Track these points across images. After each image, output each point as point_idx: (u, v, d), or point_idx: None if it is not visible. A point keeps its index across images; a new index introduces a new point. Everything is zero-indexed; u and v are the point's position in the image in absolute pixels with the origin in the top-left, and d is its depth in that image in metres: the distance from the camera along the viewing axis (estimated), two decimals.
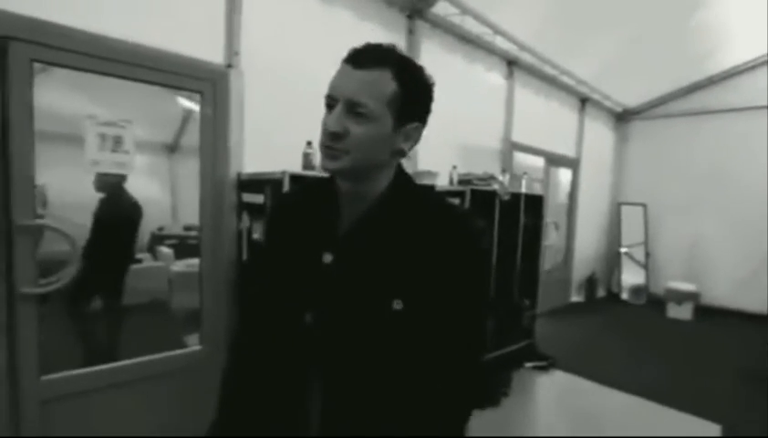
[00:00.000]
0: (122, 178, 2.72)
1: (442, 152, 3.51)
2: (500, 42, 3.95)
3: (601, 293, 6.44)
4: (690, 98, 5.94)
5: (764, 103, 5.30)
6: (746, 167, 5.53)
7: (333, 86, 0.75)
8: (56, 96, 2.01)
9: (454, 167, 3.33)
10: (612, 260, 6.59)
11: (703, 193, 5.89)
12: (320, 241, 0.83)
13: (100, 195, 2.70)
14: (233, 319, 2.29)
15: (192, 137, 2.42)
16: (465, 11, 3.46)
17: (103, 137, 1.93)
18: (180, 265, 4.01)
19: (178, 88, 2.20)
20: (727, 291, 5.68)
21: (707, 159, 5.84)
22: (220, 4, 2.25)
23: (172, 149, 5.08)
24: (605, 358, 4.04)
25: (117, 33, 1.88)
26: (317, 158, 2.12)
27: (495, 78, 4.23)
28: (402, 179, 0.85)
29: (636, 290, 6.18)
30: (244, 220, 2.30)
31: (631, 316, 5.62)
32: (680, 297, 5.47)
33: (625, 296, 6.24)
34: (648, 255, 6.28)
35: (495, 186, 3.37)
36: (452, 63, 3.71)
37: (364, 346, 0.79)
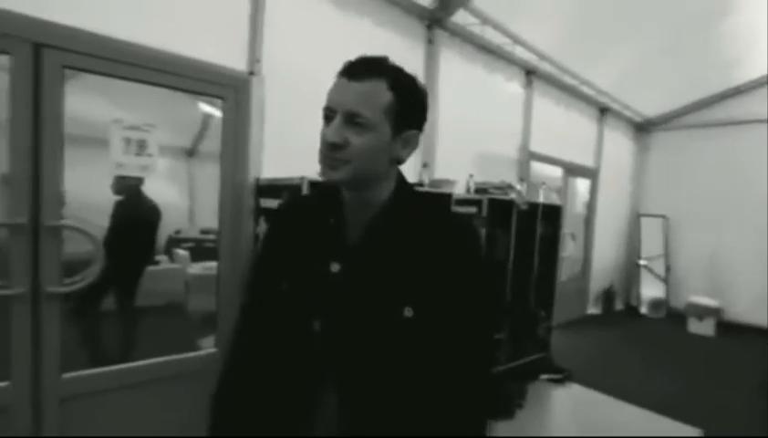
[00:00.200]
0: (140, 181, 2.79)
1: (460, 161, 3.50)
2: (519, 52, 3.94)
3: (619, 306, 6.31)
4: (715, 108, 5.82)
5: None
6: None
7: (330, 98, 0.77)
8: (74, 99, 2.06)
9: (471, 175, 3.32)
10: (630, 272, 6.46)
11: (726, 206, 5.74)
12: (328, 249, 0.84)
13: (118, 198, 2.77)
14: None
15: (210, 142, 2.45)
16: (485, 21, 3.46)
17: (128, 140, 1.98)
18: (197, 268, 4.07)
19: (202, 94, 2.24)
20: (750, 307, 5.50)
21: (730, 171, 5.70)
22: (243, 13, 2.30)
23: (191, 153, 5.18)
24: (622, 371, 3.95)
25: (145, 40, 1.94)
26: None
27: (514, 87, 4.21)
28: (404, 186, 0.87)
29: (655, 304, 6.04)
30: (261, 225, 2.33)
31: (650, 330, 5.48)
32: (702, 312, 5.32)
33: (644, 309, 6.10)
34: (668, 268, 6.14)
35: (513, 195, 3.34)
36: (472, 72, 3.70)
37: (378, 353, 0.80)
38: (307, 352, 0.84)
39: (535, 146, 4.49)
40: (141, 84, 1.96)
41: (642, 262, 6.22)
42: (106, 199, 2.81)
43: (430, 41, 3.28)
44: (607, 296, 6.08)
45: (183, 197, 5.14)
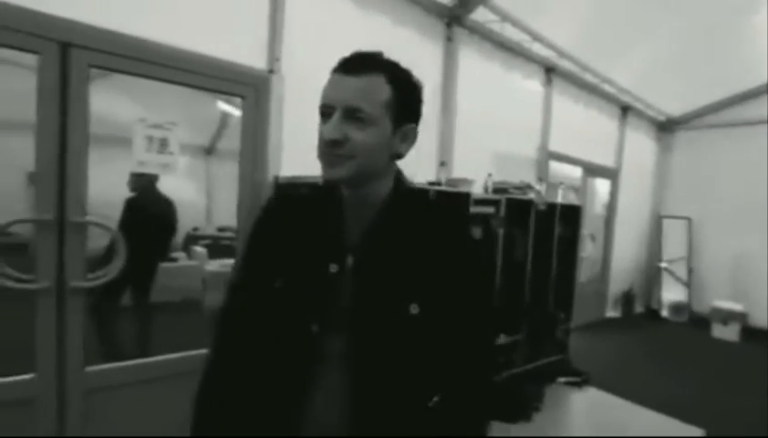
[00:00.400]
0: (155, 178, 2.83)
1: (478, 159, 3.47)
2: (538, 49, 3.88)
3: (639, 309, 6.18)
4: (741, 107, 5.64)
5: None
6: None
7: (328, 95, 0.76)
8: (97, 99, 2.09)
9: (489, 175, 3.28)
10: (651, 275, 6.32)
11: (752, 208, 5.55)
12: (326, 249, 0.82)
13: (132, 195, 2.81)
14: None
15: (228, 140, 2.47)
16: (505, 18, 3.42)
17: (150, 139, 2.00)
18: (214, 265, 4.11)
19: (223, 93, 2.26)
20: None
21: (756, 172, 5.51)
22: (263, 12, 2.31)
23: (209, 151, 5.25)
24: (642, 376, 3.86)
25: (169, 40, 1.96)
26: None
27: (533, 85, 4.15)
28: (402, 183, 0.87)
29: (677, 307, 5.89)
30: None
31: (672, 334, 5.36)
32: (727, 316, 5.18)
33: (665, 313, 5.97)
34: (690, 270, 5.99)
35: (531, 195, 3.29)
36: (490, 70, 3.66)
37: (388, 350, 0.80)
38: (302, 351, 0.82)
39: (555, 145, 4.42)
40: (164, 83, 1.98)
41: (664, 264, 6.08)
42: (125, 196, 2.87)
43: (449, 39, 3.25)
44: (627, 298, 5.96)
45: (201, 195, 5.21)
